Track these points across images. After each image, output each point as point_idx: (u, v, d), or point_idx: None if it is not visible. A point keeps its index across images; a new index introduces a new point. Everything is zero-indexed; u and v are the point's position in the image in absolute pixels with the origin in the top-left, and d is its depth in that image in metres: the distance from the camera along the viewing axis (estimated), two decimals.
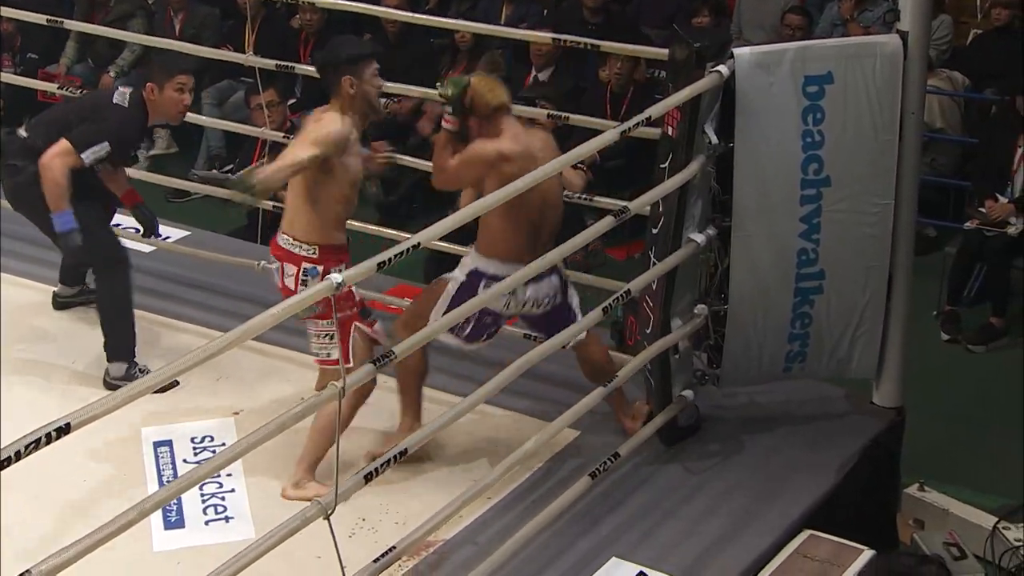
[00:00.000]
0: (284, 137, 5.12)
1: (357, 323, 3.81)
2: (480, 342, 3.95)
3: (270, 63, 4.93)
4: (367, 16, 7.01)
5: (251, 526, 3.65)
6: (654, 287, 3.86)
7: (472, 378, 4.19)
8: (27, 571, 2.14)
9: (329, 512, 2.80)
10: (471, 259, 3.89)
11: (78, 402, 2.37)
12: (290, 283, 3.81)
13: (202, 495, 3.76)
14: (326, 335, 3.81)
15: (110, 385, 4.37)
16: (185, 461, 3.98)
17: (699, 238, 3.79)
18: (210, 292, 4.94)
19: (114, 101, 4.37)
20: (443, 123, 3.89)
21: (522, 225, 3.78)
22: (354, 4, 5.27)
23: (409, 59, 6.75)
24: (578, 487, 3.57)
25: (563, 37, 4.52)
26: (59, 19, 5.30)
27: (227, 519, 3.71)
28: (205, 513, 3.72)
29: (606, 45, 4.56)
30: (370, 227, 5.11)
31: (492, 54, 6.93)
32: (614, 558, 3.48)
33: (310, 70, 4.98)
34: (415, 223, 5.92)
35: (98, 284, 4.54)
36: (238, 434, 4.10)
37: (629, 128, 3.48)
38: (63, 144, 4.23)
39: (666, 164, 3.82)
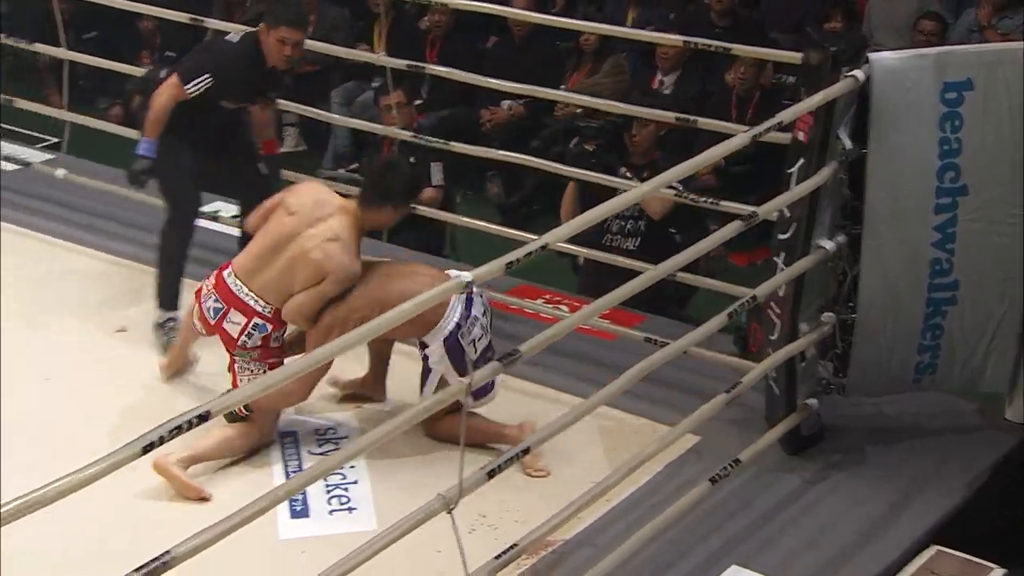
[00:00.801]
0: (412, 137, 5.18)
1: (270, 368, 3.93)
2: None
3: (401, 63, 4.98)
4: (494, 17, 7.13)
5: (373, 517, 3.69)
6: (781, 293, 3.81)
7: (594, 380, 4.19)
8: (166, 552, 2.21)
9: (452, 507, 2.82)
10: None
11: None
12: (231, 329, 3.92)
13: (327, 486, 3.81)
14: (251, 371, 3.96)
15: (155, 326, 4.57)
16: (310, 452, 4.04)
17: (829, 245, 3.73)
18: None
19: (226, 38, 4.55)
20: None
21: None
22: (482, 5, 5.30)
23: (534, 61, 6.77)
24: (698, 492, 3.53)
25: (694, 40, 4.48)
26: (201, 18, 5.43)
27: (350, 510, 3.75)
28: (329, 503, 3.77)
29: (737, 48, 4.50)
30: (492, 227, 5.16)
31: (616, 58, 6.92)
32: (734, 566, 3.43)
33: (439, 70, 5.06)
34: (535, 224, 5.95)
35: (162, 232, 4.69)
36: (359, 426, 4.16)
37: (761, 132, 3.44)
38: (172, 77, 4.42)
39: (794, 169, 3.77)
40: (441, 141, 5.05)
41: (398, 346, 4.22)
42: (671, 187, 4.81)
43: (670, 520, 3.41)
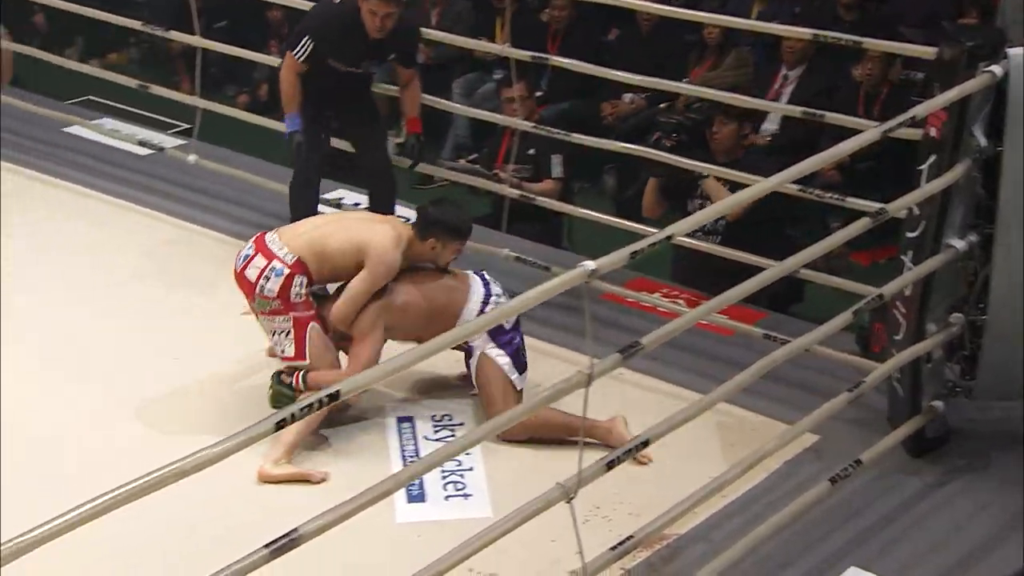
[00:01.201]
0: (533, 127, 5.19)
1: (314, 323, 3.98)
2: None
3: (526, 55, 4.99)
4: (615, 10, 7.09)
5: (488, 504, 3.72)
6: (908, 293, 3.72)
7: (711, 376, 4.16)
8: (294, 530, 2.25)
9: (571, 496, 2.82)
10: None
11: None
12: (251, 274, 3.96)
13: (443, 471, 3.84)
14: (281, 332, 3.97)
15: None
16: (426, 438, 4.08)
17: (959, 244, 3.63)
18: None
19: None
20: None
21: None
22: None
23: (658, 54, 6.72)
24: (817, 491, 3.48)
25: (823, 33, 4.39)
26: None
27: (466, 496, 3.78)
28: (445, 489, 3.80)
29: (868, 42, 4.40)
30: (611, 219, 5.13)
31: (740, 51, 6.83)
32: (853, 567, 3.37)
33: (563, 62, 5.06)
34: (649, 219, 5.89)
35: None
36: (475, 414, 4.19)
37: (892, 128, 3.36)
38: (286, 56, 4.68)
39: (925, 166, 3.68)
40: (562, 132, 5.05)
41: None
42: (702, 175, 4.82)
43: (788, 518, 3.37)
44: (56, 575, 2.82)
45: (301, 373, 3.97)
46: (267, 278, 3.95)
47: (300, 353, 3.96)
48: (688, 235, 4.87)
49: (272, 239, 4.03)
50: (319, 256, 4.00)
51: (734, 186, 4.81)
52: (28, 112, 6.20)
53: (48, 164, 5.91)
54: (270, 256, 3.98)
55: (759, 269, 4.37)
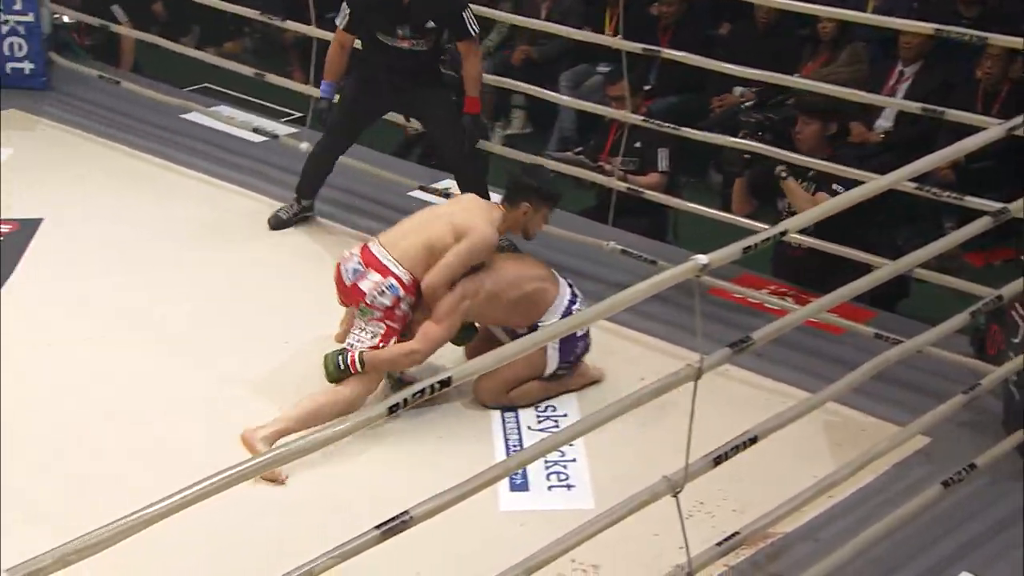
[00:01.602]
0: (642, 121, 5.16)
1: (399, 340, 4.02)
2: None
3: (637, 47, 4.96)
4: (728, 4, 7.01)
5: (591, 495, 3.71)
6: None
7: (820, 374, 4.11)
8: (405, 512, 2.27)
9: (678, 490, 2.80)
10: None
11: None
12: (365, 285, 3.98)
13: (546, 462, 3.85)
14: (368, 332, 3.99)
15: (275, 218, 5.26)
16: (529, 428, 4.09)
17: None
18: (557, 269, 4.99)
19: None
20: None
21: None
22: None
23: (771, 49, 6.63)
24: (929, 495, 3.40)
25: (946, 28, 4.29)
26: None
27: (568, 487, 3.78)
28: (548, 479, 3.81)
29: (993, 38, 4.27)
30: (718, 213, 5.08)
31: (855, 46, 6.69)
32: (965, 573, 3.30)
33: (675, 55, 5.01)
34: (757, 213, 5.82)
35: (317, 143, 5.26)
36: (579, 404, 4.18)
37: (1017, 126, 3.27)
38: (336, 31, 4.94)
39: None
40: (670, 126, 5.01)
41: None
42: (833, 190, 4.71)
43: (899, 521, 3.30)
44: (182, 541, 2.88)
45: (357, 353, 3.97)
46: (382, 292, 4.00)
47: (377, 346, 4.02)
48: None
49: (380, 253, 4.05)
50: (428, 255, 4.02)
51: (820, 185, 4.76)
52: (147, 98, 6.35)
53: (166, 149, 6.05)
54: (385, 272, 4.01)
55: (863, 265, 4.36)
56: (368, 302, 4.01)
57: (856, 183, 3.92)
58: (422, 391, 2.22)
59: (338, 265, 4.13)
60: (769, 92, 6.60)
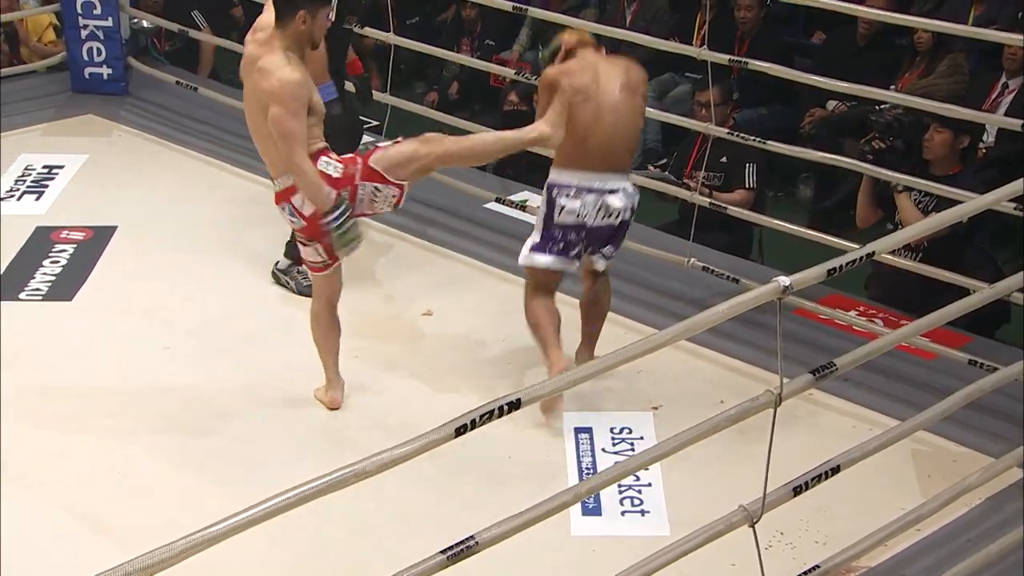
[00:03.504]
0: (727, 133, 5.13)
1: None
2: (574, 259, 4.22)
3: (723, 57, 4.94)
4: (823, 13, 6.93)
5: (666, 522, 3.70)
6: None
7: (909, 401, 4.05)
8: (471, 537, 2.28)
9: (755, 520, 2.78)
10: (551, 179, 4.19)
11: None
12: (307, 209, 3.85)
13: (619, 486, 3.84)
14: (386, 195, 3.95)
15: (275, 273, 4.99)
16: (604, 450, 4.08)
17: None
18: (636, 285, 5.02)
19: None
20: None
21: (587, 141, 4.08)
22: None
23: (868, 59, 6.56)
24: (1022, 532, 3.34)
25: None
26: (524, 7, 5.57)
27: (642, 512, 3.77)
28: (622, 504, 3.80)
29: None
30: (803, 231, 5.03)
31: (954, 57, 6.60)
32: None
33: (761, 66, 4.98)
34: (849, 230, 5.77)
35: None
36: (655, 428, 4.17)
37: None
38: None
39: None
40: (756, 139, 4.98)
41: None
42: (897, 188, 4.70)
43: (990, 558, 3.25)
44: (244, 559, 2.94)
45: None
46: (292, 217, 3.93)
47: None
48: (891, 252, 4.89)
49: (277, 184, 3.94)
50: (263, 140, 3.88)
51: (940, 202, 4.68)
52: (224, 104, 6.46)
53: (243, 157, 6.14)
54: (278, 198, 3.94)
55: (960, 288, 4.29)
56: (296, 228, 3.99)
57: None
58: (490, 412, 2.24)
59: None
60: (864, 107, 6.53)
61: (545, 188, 4.21)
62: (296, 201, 3.90)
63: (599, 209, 4.15)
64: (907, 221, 4.76)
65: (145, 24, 6.95)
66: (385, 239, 5.42)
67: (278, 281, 5.03)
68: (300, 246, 4.09)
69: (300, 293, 4.94)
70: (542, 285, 4.25)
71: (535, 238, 4.23)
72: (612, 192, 4.15)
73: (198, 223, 5.49)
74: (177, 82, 6.65)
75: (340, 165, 3.89)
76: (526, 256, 4.24)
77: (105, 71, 6.70)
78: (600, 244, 4.23)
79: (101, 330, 4.66)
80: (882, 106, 5.50)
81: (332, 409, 4.21)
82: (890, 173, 4.70)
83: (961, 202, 3.98)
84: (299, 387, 4.30)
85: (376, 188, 3.94)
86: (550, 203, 4.16)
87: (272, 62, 3.75)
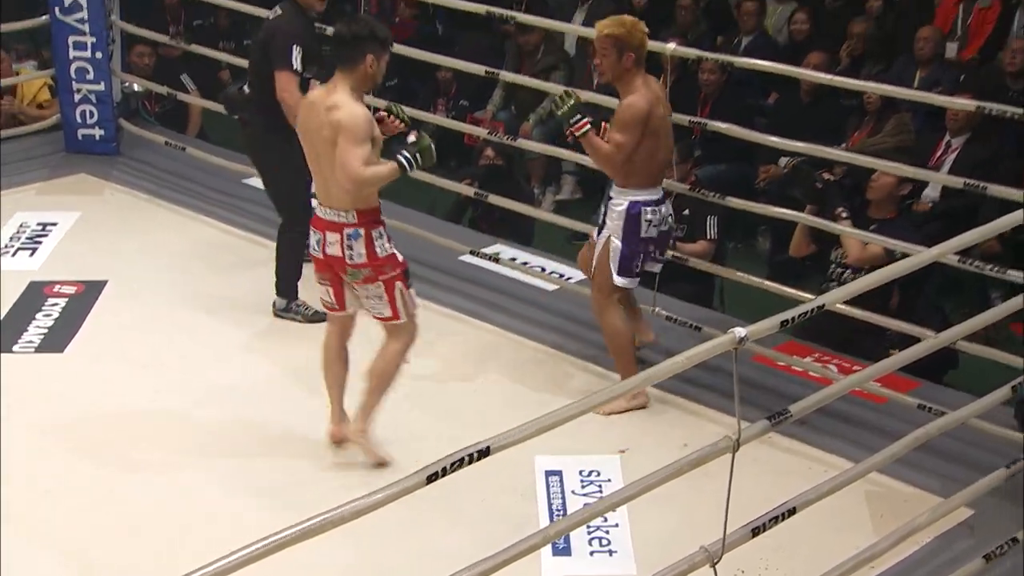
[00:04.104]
0: (688, 190, 5.18)
1: (402, 283, 4.08)
2: (636, 274, 4.52)
3: (683, 119, 5.00)
4: (771, 76, 7.03)
5: (632, 562, 3.70)
6: None
7: (862, 444, 4.08)
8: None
9: (716, 560, 2.79)
10: (618, 200, 4.42)
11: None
12: (334, 250, 3.98)
13: (588, 527, 3.83)
14: (375, 297, 4.06)
15: (277, 314, 5.08)
16: (574, 492, 4.09)
17: None
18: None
19: (271, 19, 4.88)
20: (576, 130, 4.38)
21: (659, 157, 4.44)
22: (766, 64, 5.26)
23: (818, 119, 6.64)
24: (971, 568, 3.37)
25: (987, 105, 4.29)
26: (496, 71, 5.63)
27: (610, 552, 3.77)
28: (590, 544, 3.80)
29: None
30: (764, 282, 5.07)
31: (901, 116, 6.68)
32: None
33: (719, 126, 5.05)
34: (805, 281, 5.82)
35: (280, 233, 5.09)
36: (623, 471, 4.17)
37: None
38: (281, 75, 4.72)
39: None
40: (715, 195, 5.03)
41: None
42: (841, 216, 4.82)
43: None
44: None
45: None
46: (351, 247, 3.98)
47: (395, 312, 4.09)
48: (826, 284, 5.03)
49: (321, 210, 4.01)
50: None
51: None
52: (211, 164, 6.48)
53: (228, 213, 6.16)
54: (336, 227, 3.98)
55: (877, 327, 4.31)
56: (348, 263, 4.00)
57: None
58: (461, 460, 2.24)
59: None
60: (817, 162, 6.61)
61: (623, 211, 4.40)
62: (359, 233, 3.98)
63: (666, 218, 4.52)
64: (848, 247, 4.90)
65: (136, 87, 6.97)
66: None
67: (282, 318, 5.11)
68: (319, 285, 4.17)
69: (311, 321, 5.02)
70: (620, 299, 4.58)
71: (619, 261, 4.43)
72: (665, 201, 4.54)
73: (186, 276, 5.49)
74: (167, 142, 6.66)
75: (390, 247, 4.07)
76: (620, 279, 4.47)
77: (97, 132, 6.72)
78: (661, 251, 4.62)
79: (92, 380, 4.65)
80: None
81: (334, 442, 4.24)
82: (832, 225, 4.79)
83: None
84: (291, 434, 4.29)
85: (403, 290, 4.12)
86: (635, 221, 4.39)
87: (341, 99, 3.91)
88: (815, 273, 5.86)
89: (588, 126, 4.38)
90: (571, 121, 4.39)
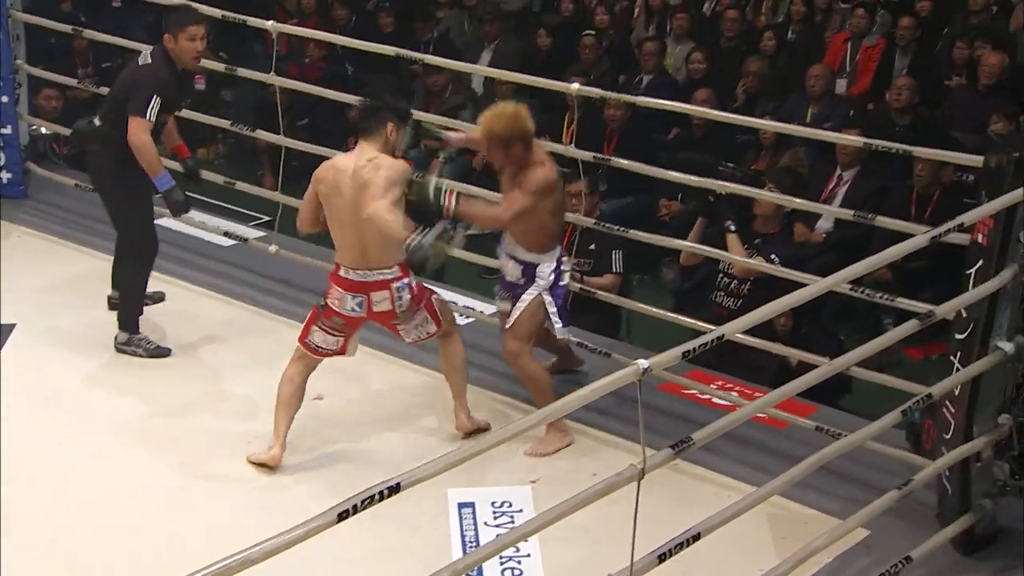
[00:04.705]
0: (595, 224, 5.24)
1: (434, 295, 4.41)
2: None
3: (588, 155, 5.07)
4: (672, 114, 7.16)
5: None
6: (956, 393, 3.68)
7: (763, 467, 4.13)
8: None
9: None
10: (544, 261, 4.50)
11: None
12: (383, 307, 4.23)
13: (501, 558, 3.83)
14: (421, 322, 4.34)
15: (118, 348, 5.01)
16: (486, 524, 4.08)
17: (1007, 347, 3.60)
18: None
19: (140, 63, 4.86)
20: (448, 209, 4.22)
21: (561, 215, 4.62)
22: (662, 103, 5.36)
23: (715, 154, 6.77)
24: None
25: (872, 142, 4.42)
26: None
27: None
28: (503, 575, 3.79)
29: (918, 151, 4.41)
30: (667, 314, 5.13)
31: (795, 151, 6.85)
32: None
33: (622, 163, 5.12)
34: (708, 310, 5.90)
35: (124, 262, 5.06)
36: (534, 501, 4.18)
37: (940, 234, 3.36)
38: (133, 121, 4.73)
39: (973, 270, 3.66)
40: (619, 228, 5.10)
41: None
42: (770, 259, 5.04)
43: None
44: None
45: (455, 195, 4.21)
46: (399, 298, 4.22)
47: (438, 321, 4.40)
48: (715, 294, 5.41)
49: (362, 275, 4.19)
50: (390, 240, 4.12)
51: (760, 251, 5.20)
52: None
53: None
54: (383, 285, 4.20)
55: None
56: (398, 312, 4.26)
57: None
58: (371, 497, 2.23)
59: (319, 314, 4.29)
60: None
61: (552, 270, 4.50)
62: (405, 283, 4.24)
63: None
64: (735, 259, 5.14)
65: (43, 130, 6.85)
66: (279, 326, 5.37)
67: (123, 352, 5.02)
68: (320, 331, 4.27)
69: (152, 356, 4.99)
70: (553, 342, 4.72)
71: (557, 311, 4.53)
72: None
73: (95, 318, 5.38)
74: (75, 185, 6.54)
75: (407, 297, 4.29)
76: (563, 331, 4.58)
77: (5, 176, 6.58)
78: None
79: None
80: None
81: (272, 467, 4.27)
82: (734, 257, 4.90)
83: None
84: (197, 465, 4.24)
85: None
86: (558, 274, 4.52)
87: (380, 161, 4.17)
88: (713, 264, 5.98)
89: (454, 198, 4.22)
90: (440, 203, 4.21)
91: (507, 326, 4.57)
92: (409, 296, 4.26)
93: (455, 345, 4.49)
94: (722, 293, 5.39)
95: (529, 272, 4.54)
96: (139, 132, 4.75)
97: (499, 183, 4.58)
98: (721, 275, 5.30)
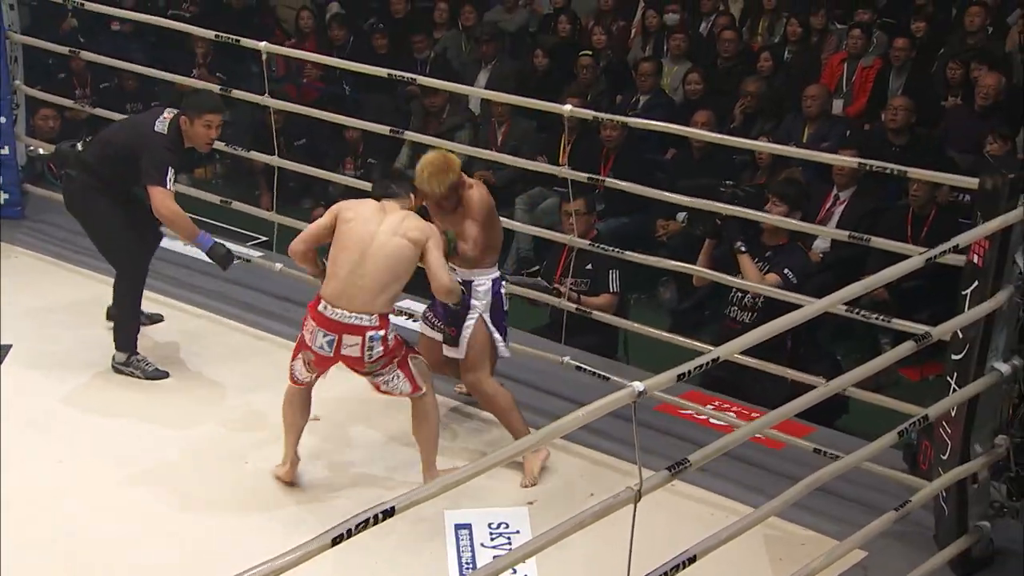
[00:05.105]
0: (590, 244, 5.24)
1: (411, 355, 4.26)
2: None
3: (582, 176, 5.07)
4: (668, 134, 7.18)
5: None
6: (953, 414, 3.68)
7: (760, 489, 4.13)
8: None
9: None
10: (476, 276, 4.45)
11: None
12: (351, 352, 4.10)
13: None
14: (393, 378, 4.20)
15: (116, 368, 5.01)
16: (483, 545, 4.07)
17: (1004, 368, 3.60)
18: (512, 382, 5.03)
19: (156, 129, 4.83)
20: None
21: (499, 233, 4.58)
22: (655, 124, 5.38)
23: (712, 174, 6.78)
24: None
25: (867, 162, 4.43)
26: (400, 130, 5.66)
27: None
28: None
29: (913, 172, 4.41)
30: (664, 334, 5.14)
31: (791, 171, 6.86)
32: None
33: (616, 183, 5.13)
34: (705, 330, 5.91)
35: (117, 284, 5.08)
36: (531, 523, 4.18)
37: (935, 256, 3.36)
38: (157, 191, 4.76)
39: (968, 291, 3.66)
40: (615, 249, 5.10)
41: None
42: (784, 275, 5.10)
43: None
44: None
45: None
46: (371, 348, 4.10)
47: (415, 385, 4.24)
48: (729, 308, 5.36)
49: (339, 315, 4.09)
50: (391, 281, 4.13)
51: (772, 267, 5.19)
52: None
53: None
54: (358, 330, 4.09)
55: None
56: (367, 362, 4.13)
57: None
58: (366, 521, 2.23)
59: (300, 345, 4.22)
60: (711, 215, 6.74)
61: (488, 289, 4.45)
62: (380, 336, 4.12)
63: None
64: (748, 277, 5.09)
65: (41, 151, 6.85)
66: (276, 347, 5.36)
67: (121, 373, 5.02)
68: (300, 362, 4.22)
69: (149, 378, 4.98)
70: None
71: (497, 331, 4.48)
72: None
73: (92, 339, 5.37)
74: None
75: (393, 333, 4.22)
76: (505, 350, 4.54)
77: (2, 196, 6.58)
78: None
79: None
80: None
81: (285, 482, 4.29)
82: (750, 284, 4.93)
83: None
84: (190, 491, 4.22)
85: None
86: (499, 297, 4.49)
87: (413, 217, 4.25)
88: (713, 322, 5.97)
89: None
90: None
91: (461, 359, 4.50)
92: (382, 349, 4.11)
93: (427, 406, 4.30)
94: (736, 308, 5.37)
95: (468, 293, 4.46)
96: (167, 202, 4.79)
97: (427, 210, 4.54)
98: (735, 289, 5.29)
